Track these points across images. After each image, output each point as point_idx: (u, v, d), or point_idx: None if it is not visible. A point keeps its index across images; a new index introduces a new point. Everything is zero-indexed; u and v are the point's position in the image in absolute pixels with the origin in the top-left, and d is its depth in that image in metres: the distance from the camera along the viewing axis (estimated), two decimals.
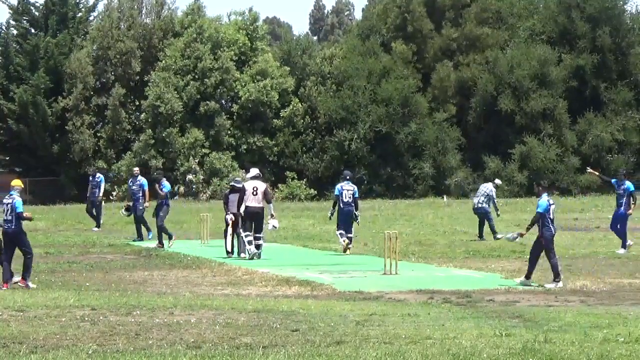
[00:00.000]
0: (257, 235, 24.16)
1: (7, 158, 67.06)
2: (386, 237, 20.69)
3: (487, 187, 29.80)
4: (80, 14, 67.42)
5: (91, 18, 68.19)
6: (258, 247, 24.12)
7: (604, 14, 59.81)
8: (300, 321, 12.86)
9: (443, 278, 19.67)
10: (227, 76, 60.59)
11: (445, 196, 53.37)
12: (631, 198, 25.05)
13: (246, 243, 24.09)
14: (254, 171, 25.29)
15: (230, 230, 24.69)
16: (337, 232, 25.83)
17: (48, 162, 61.95)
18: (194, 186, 58.49)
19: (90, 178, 35.09)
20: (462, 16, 62.32)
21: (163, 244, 26.99)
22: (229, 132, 60.42)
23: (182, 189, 58.51)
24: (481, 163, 57.27)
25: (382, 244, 21.26)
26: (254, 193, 24.15)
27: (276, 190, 58.74)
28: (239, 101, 61.01)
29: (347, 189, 25.76)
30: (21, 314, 13.49)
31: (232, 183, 26.14)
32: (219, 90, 60.74)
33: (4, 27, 66.99)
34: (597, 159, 57.61)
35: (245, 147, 60.34)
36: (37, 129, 61.44)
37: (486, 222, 28.85)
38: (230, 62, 60.91)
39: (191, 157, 58.79)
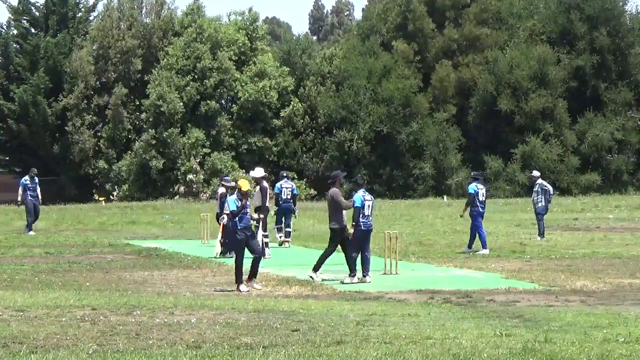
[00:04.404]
0: (266, 233, 24.58)
1: (7, 158, 67.04)
2: (386, 237, 20.69)
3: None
4: (80, 14, 67.43)
5: (91, 18, 68.25)
6: (267, 245, 24.58)
7: (604, 14, 59.83)
8: (301, 321, 12.86)
9: (443, 278, 19.66)
10: (227, 76, 60.57)
11: (445, 196, 53.36)
12: (470, 200, 25.28)
13: (265, 244, 24.16)
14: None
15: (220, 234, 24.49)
16: (275, 227, 27.63)
17: (48, 162, 61.88)
18: (194, 186, 58.47)
19: (30, 180, 32.87)
20: (462, 16, 62.31)
21: None
22: (229, 132, 60.41)
23: (182, 188, 58.50)
24: (481, 163, 57.26)
25: (382, 244, 21.26)
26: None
27: None
28: (238, 101, 61.00)
29: (285, 187, 27.83)
30: (21, 314, 13.47)
31: (226, 184, 25.21)
32: (218, 90, 60.72)
33: (4, 27, 67.03)
34: (596, 159, 57.64)
35: (245, 147, 60.33)
36: (37, 129, 61.42)
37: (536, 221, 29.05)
38: (230, 62, 60.88)
39: (192, 157, 58.78)
